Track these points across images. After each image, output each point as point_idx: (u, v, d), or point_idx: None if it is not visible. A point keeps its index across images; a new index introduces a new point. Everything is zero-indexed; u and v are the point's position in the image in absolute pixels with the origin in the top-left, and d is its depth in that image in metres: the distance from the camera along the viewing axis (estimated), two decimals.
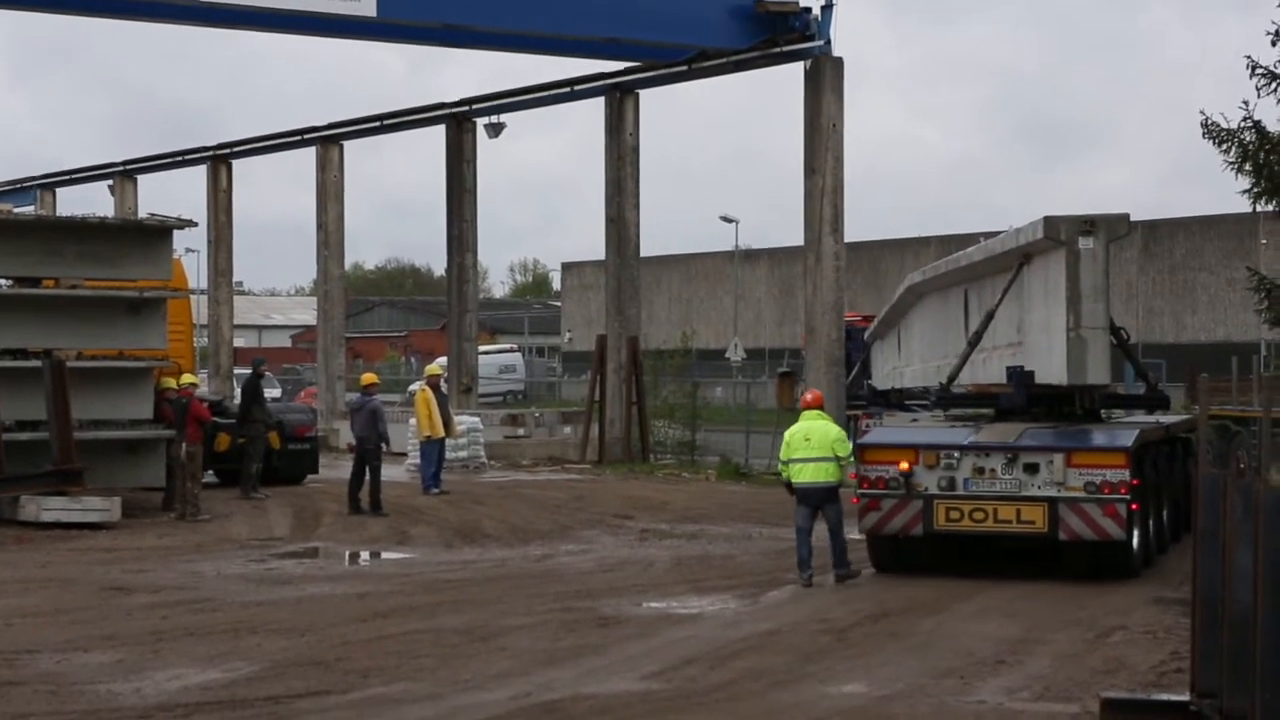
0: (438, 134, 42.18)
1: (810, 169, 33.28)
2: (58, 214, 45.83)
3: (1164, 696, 11.60)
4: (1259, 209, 25.94)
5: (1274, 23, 24.40)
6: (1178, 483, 21.39)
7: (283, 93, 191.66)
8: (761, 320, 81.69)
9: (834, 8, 33.26)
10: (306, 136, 46.34)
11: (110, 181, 56.35)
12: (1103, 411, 20.53)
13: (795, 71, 33.82)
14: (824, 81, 33.05)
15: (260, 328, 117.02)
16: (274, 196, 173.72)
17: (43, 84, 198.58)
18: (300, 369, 79.40)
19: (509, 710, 12.10)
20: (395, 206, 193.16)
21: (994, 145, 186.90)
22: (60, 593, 17.81)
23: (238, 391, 38.09)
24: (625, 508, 27.16)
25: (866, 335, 31.79)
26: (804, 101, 33.43)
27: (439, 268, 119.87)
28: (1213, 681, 10.22)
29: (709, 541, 22.84)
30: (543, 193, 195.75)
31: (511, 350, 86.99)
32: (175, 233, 26.35)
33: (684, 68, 36.00)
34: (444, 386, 32.43)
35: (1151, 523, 19.63)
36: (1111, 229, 18.37)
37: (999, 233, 22.38)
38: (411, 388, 48.05)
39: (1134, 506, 18.15)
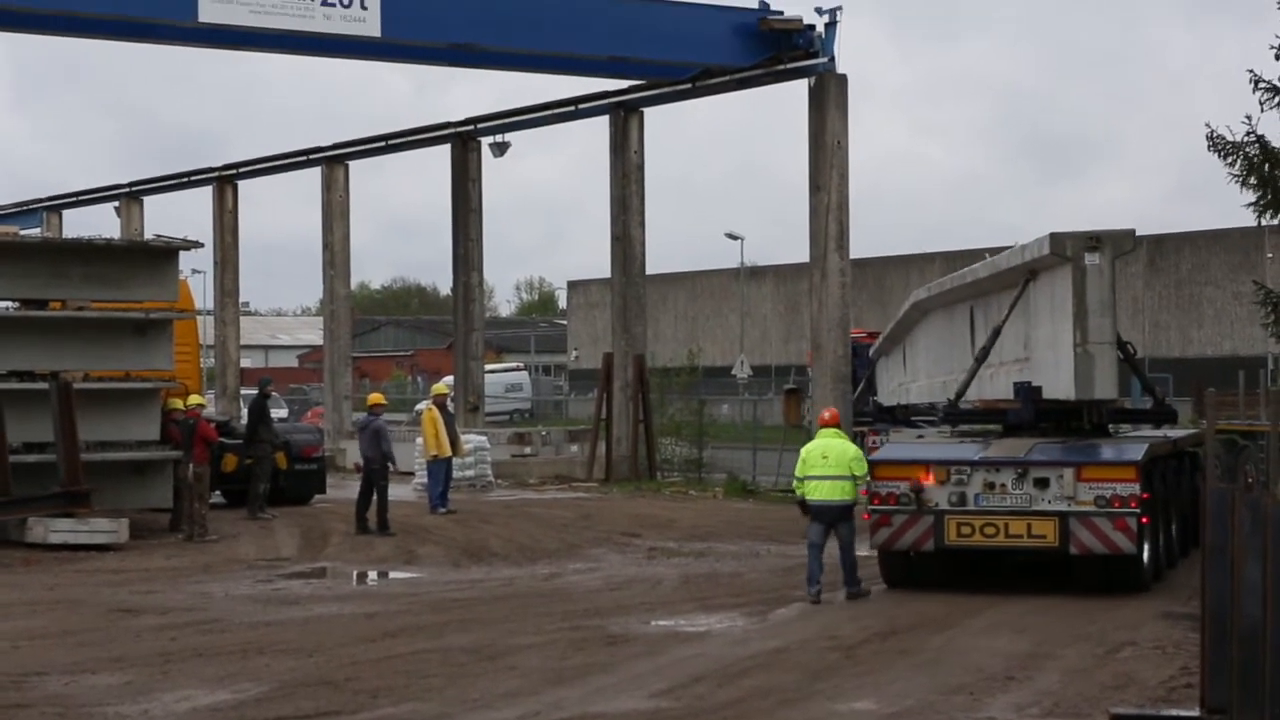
0: (443, 153, 42.28)
1: (815, 186, 33.31)
2: (64, 236, 45.89)
3: (1174, 712, 11.59)
4: (1264, 223, 25.93)
5: (1277, 36, 24.43)
6: (1186, 497, 21.43)
7: (288, 113, 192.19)
8: (767, 337, 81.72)
9: (837, 25, 33.33)
10: (312, 157, 46.40)
11: (116, 203, 56.41)
12: (1110, 426, 20.57)
13: (799, 89, 33.93)
14: (828, 98, 33.09)
15: (267, 348, 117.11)
16: (280, 217, 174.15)
17: (48, 106, 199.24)
18: (307, 389, 79.42)
19: None
20: (401, 226, 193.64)
21: (998, 161, 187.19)
22: (68, 614, 17.81)
23: (244, 412, 38.13)
24: (632, 526, 27.14)
25: (871, 352, 31.79)
26: (808, 118, 33.48)
27: (445, 287, 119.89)
28: (1222, 697, 10.19)
29: (716, 559, 22.82)
30: (548, 211, 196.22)
31: (518, 369, 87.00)
32: (181, 253, 26.39)
33: (688, 86, 36.05)
34: (450, 405, 32.44)
35: (1161, 537, 19.66)
36: (1117, 244, 18.40)
37: (1004, 249, 22.38)
38: (418, 407, 48.11)
39: (1144, 520, 18.22)
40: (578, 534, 26.03)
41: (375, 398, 28.96)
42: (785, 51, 33.76)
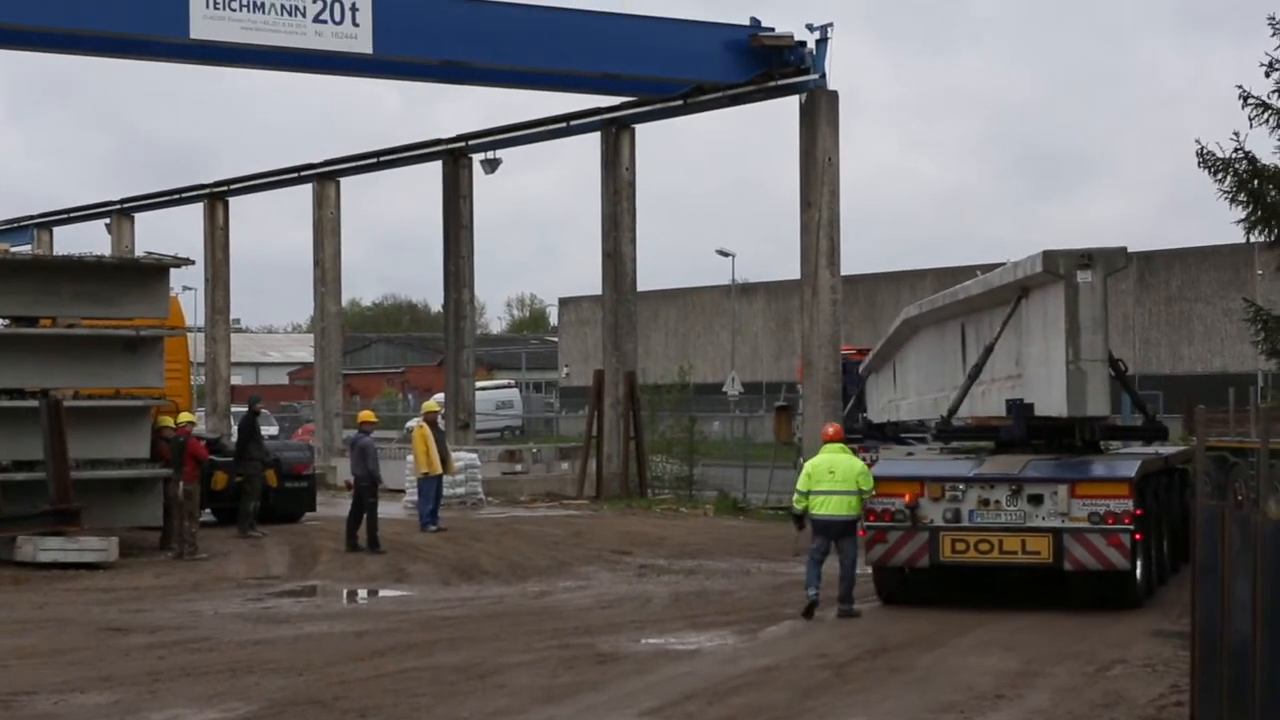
0: (434, 170, 42.30)
1: (806, 202, 33.34)
2: (54, 253, 45.85)
3: None
4: (1253, 239, 25.98)
5: (1268, 54, 24.53)
6: (1176, 513, 21.49)
7: (279, 129, 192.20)
8: (759, 354, 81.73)
9: (829, 42, 33.36)
10: (303, 174, 46.40)
11: (107, 220, 56.42)
12: (1101, 443, 20.64)
13: (791, 105, 33.93)
14: (819, 115, 33.13)
15: (258, 365, 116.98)
16: (271, 234, 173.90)
17: (38, 122, 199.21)
18: (298, 406, 79.39)
19: None
20: (392, 243, 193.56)
21: (989, 177, 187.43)
22: (57, 633, 17.76)
23: (235, 429, 38.07)
24: (623, 543, 27.11)
25: (861, 369, 31.78)
26: (799, 135, 33.51)
27: (436, 303, 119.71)
28: (1212, 715, 10.19)
29: (707, 577, 22.80)
30: (539, 228, 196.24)
31: (509, 386, 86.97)
32: (172, 270, 26.36)
33: (679, 102, 36.10)
34: (441, 423, 32.41)
35: (1153, 553, 19.71)
36: (1109, 262, 18.46)
37: (996, 265, 22.42)
38: (409, 424, 48.01)
39: (1138, 536, 18.31)
40: (568, 551, 26.00)
41: (365, 415, 28.94)
42: (777, 68, 33.79)
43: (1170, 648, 15.95)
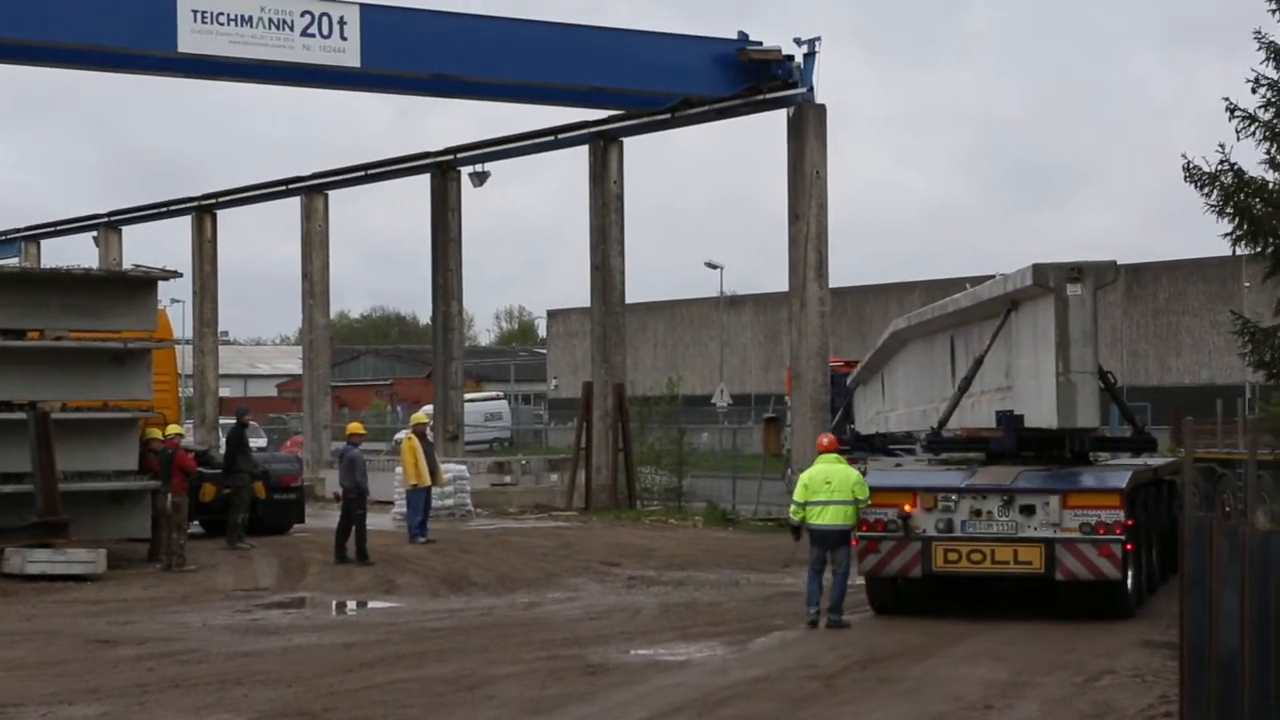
0: (422, 183, 42.32)
1: (794, 215, 33.39)
2: (42, 265, 45.82)
3: None
4: (1239, 252, 26.02)
5: (1253, 70, 24.58)
6: (1165, 524, 21.58)
7: (268, 142, 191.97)
8: (747, 366, 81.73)
9: (816, 56, 33.45)
10: (291, 186, 46.40)
11: (95, 233, 56.37)
12: (1090, 454, 20.71)
13: (779, 119, 34.01)
14: (807, 129, 33.20)
15: (246, 377, 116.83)
16: (259, 246, 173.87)
17: (26, 135, 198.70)
18: (286, 418, 79.25)
19: None
20: (380, 255, 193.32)
21: (978, 191, 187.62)
22: (45, 645, 17.73)
23: (223, 441, 38.03)
24: (612, 555, 27.11)
25: (849, 381, 31.80)
26: (787, 148, 33.59)
27: (424, 316, 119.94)
28: None
29: (696, 588, 22.80)
30: (528, 240, 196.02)
31: (497, 398, 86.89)
32: (160, 283, 26.36)
33: (667, 116, 36.15)
34: (430, 435, 32.40)
35: (1143, 563, 19.80)
36: (1099, 275, 18.55)
37: (984, 278, 22.48)
38: (398, 436, 48.00)
39: (1129, 547, 18.42)
40: (557, 563, 25.99)
41: (354, 427, 28.92)
42: (764, 82, 33.89)
43: (1159, 658, 15.98)
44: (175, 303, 67.15)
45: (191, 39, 29.98)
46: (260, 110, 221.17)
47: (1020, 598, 19.83)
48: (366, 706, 13.94)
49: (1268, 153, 24.52)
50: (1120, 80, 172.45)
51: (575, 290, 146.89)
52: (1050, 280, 18.37)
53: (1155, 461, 21.97)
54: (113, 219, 55.78)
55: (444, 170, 41.38)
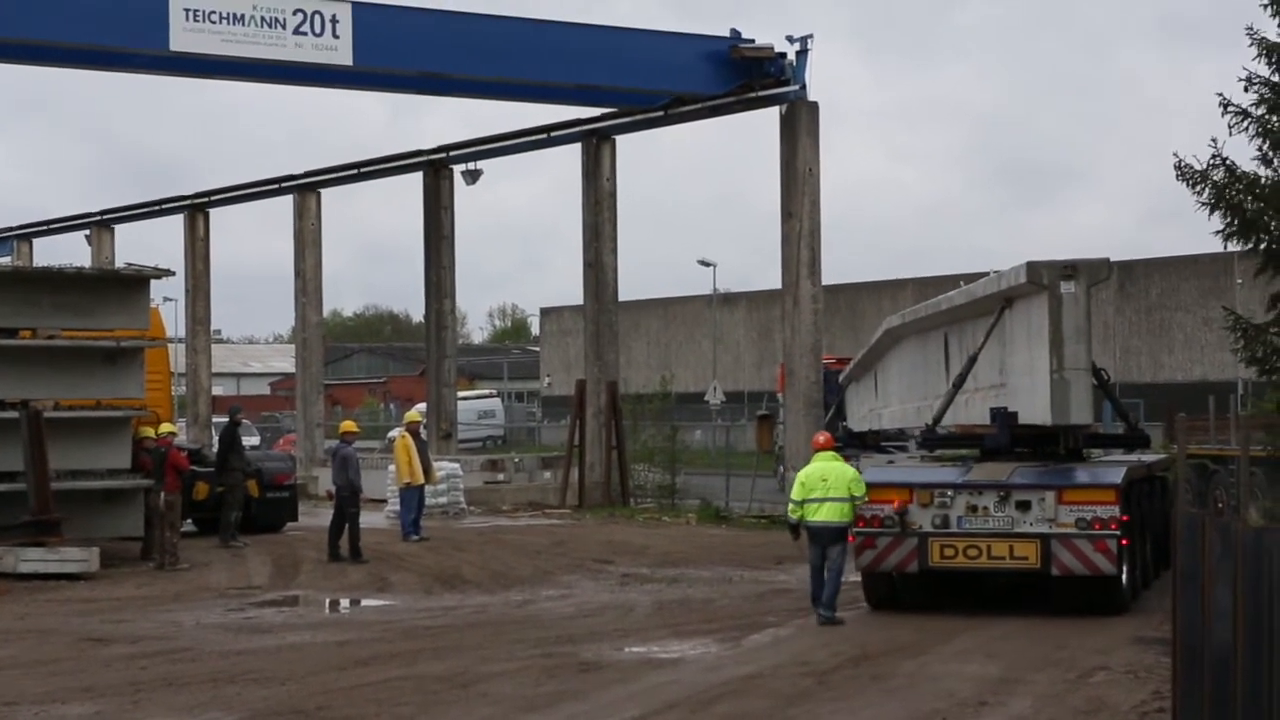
0: (415, 181, 42.26)
1: (787, 213, 33.40)
2: (34, 264, 45.78)
3: None
4: (1231, 248, 26.05)
5: (1245, 69, 24.60)
6: (1158, 520, 21.64)
7: (260, 140, 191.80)
8: (740, 363, 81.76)
9: (809, 53, 33.45)
10: (284, 185, 46.34)
11: (87, 231, 56.29)
12: (1084, 451, 20.77)
13: (772, 116, 33.99)
14: (799, 126, 33.21)
15: (239, 375, 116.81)
16: (252, 244, 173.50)
17: (18, 134, 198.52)
18: (279, 416, 79.25)
19: None
20: (373, 253, 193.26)
21: (971, 187, 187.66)
22: (38, 644, 17.72)
23: (216, 440, 38.01)
24: (605, 552, 27.11)
25: (841, 378, 31.82)
26: (780, 146, 33.59)
27: (417, 314, 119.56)
28: None
29: (689, 585, 22.81)
30: (521, 238, 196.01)
31: (491, 396, 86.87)
32: (153, 281, 26.34)
33: (660, 113, 36.16)
34: (423, 433, 32.40)
35: (1138, 559, 19.86)
36: (1093, 273, 18.57)
37: (978, 275, 22.47)
38: (391, 434, 47.98)
39: (1124, 542, 18.51)
40: (551, 561, 25.99)
41: (347, 425, 28.92)
42: (757, 79, 33.87)
43: (1152, 654, 16.00)
44: (168, 301, 67.00)
45: (184, 37, 29.93)
46: (253, 109, 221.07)
47: (1013, 594, 19.86)
48: (360, 704, 13.94)
49: (1260, 149, 24.55)
50: (1114, 77, 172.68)
51: (568, 288, 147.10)
52: (1044, 278, 18.39)
53: (1149, 458, 22.08)
54: (105, 217, 55.70)
55: (437, 168, 41.36)
